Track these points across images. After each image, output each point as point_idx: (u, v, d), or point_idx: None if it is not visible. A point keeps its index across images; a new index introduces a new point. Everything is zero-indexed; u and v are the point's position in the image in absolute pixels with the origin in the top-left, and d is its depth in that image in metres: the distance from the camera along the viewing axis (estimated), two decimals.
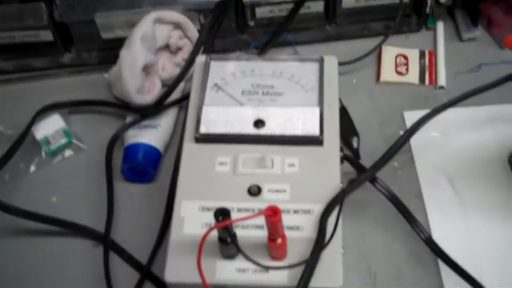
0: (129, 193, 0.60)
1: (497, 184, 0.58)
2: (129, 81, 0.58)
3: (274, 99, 0.53)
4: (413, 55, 0.69)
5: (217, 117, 0.51)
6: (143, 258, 0.55)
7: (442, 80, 0.66)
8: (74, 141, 0.63)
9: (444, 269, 0.52)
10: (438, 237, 0.52)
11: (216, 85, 0.54)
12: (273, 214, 0.40)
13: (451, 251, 0.51)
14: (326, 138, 0.51)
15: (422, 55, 0.69)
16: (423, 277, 0.53)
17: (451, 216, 0.56)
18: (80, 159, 0.63)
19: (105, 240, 0.55)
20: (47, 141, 0.62)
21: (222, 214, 0.40)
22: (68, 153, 0.63)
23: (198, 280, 0.41)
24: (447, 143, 0.61)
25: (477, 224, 0.55)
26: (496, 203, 0.56)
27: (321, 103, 0.52)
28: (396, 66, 0.68)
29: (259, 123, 0.51)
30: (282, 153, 0.50)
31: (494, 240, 0.54)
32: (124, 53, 0.59)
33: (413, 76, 0.67)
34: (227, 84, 0.54)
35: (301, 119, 0.51)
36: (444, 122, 0.61)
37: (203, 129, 0.51)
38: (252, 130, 0.51)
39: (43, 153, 0.62)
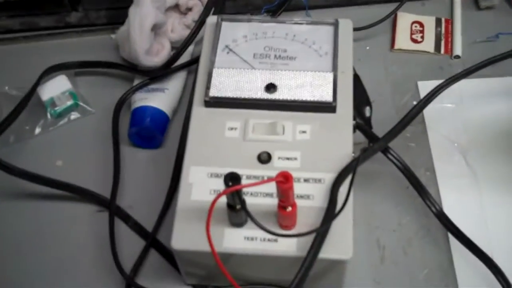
0: (135, 158, 0.59)
1: (511, 158, 0.56)
2: (137, 40, 0.57)
3: (286, 63, 0.51)
4: (429, 22, 0.67)
5: (227, 80, 0.50)
6: (149, 224, 0.54)
7: (458, 49, 0.65)
8: (81, 103, 0.62)
9: (454, 243, 0.51)
10: (449, 211, 0.51)
11: (227, 47, 0.52)
12: (285, 181, 0.39)
13: (462, 226, 0.50)
14: (339, 105, 0.49)
15: (438, 22, 0.67)
16: (433, 251, 0.52)
17: (463, 190, 0.55)
18: (86, 122, 0.62)
19: (111, 206, 0.55)
20: (52, 102, 0.61)
21: (232, 179, 0.39)
22: (74, 115, 0.62)
23: (205, 248, 0.40)
24: (461, 115, 0.60)
25: (490, 199, 0.54)
26: (510, 177, 0.55)
27: (335, 68, 0.51)
28: (412, 33, 0.66)
29: (270, 87, 0.50)
30: (294, 119, 0.49)
31: (507, 215, 0.53)
32: (133, 11, 0.57)
33: (428, 44, 0.66)
34: (239, 46, 0.53)
35: (314, 85, 0.50)
36: (458, 92, 0.60)
37: (213, 93, 0.50)
38: (263, 95, 0.49)
39: (48, 115, 0.61)
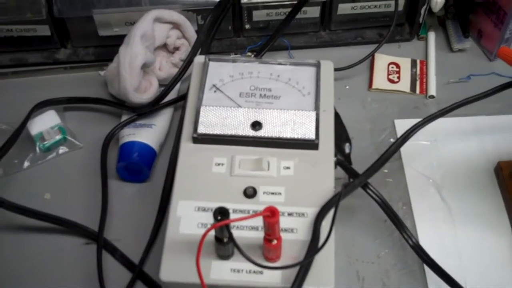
0: (123, 192, 0.60)
1: (483, 193, 0.59)
2: (127, 79, 0.58)
3: (271, 102, 0.53)
4: (405, 63, 0.70)
5: (215, 118, 0.52)
6: (136, 257, 0.55)
7: (432, 89, 0.67)
8: (69, 137, 0.63)
9: (430, 275, 0.53)
10: (425, 244, 0.53)
11: (214, 86, 0.54)
12: (271, 215, 0.40)
13: (437, 258, 0.52)
14: (321, 142, 0.51)
15: (413, 64, 0.70)
16: (410, 283, 0.53)
17: (438, 223, 0.57)
18: (74, 156, 0.62)
19: (99, 238, 0.55)
20: (41, 137, 0.62)
21: (221, 213, 0.40)
22: (62, 149, 0.62)
23: (193, 279, 0.42)
24: (436, 152, 0.62)
25: (463, 232, 0.56)
26: (482, 212, 0.58)
27: (317, 107, 0.53)
28: (388, 74, 0.69)
29: (256, 125, 0.51)
30: (278, 155, 0.51)
31: (480, 248, 0.55)
32: (123, 51, 0.58)
33: (404, 84, 0.68)
34: (225, 85, 0.54)
35: (298, 123, 0.51)
36: (433, 131, 0.62)
37: (201, 130, 0.51)
38: (249, 132, 0.51)
39: (37, 149, 0.62)
